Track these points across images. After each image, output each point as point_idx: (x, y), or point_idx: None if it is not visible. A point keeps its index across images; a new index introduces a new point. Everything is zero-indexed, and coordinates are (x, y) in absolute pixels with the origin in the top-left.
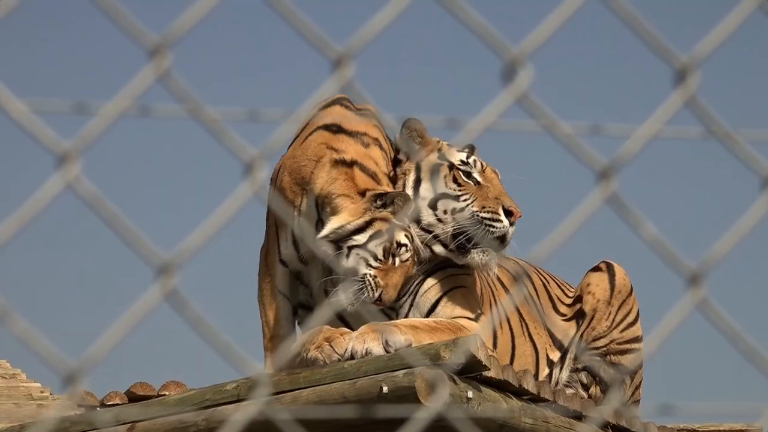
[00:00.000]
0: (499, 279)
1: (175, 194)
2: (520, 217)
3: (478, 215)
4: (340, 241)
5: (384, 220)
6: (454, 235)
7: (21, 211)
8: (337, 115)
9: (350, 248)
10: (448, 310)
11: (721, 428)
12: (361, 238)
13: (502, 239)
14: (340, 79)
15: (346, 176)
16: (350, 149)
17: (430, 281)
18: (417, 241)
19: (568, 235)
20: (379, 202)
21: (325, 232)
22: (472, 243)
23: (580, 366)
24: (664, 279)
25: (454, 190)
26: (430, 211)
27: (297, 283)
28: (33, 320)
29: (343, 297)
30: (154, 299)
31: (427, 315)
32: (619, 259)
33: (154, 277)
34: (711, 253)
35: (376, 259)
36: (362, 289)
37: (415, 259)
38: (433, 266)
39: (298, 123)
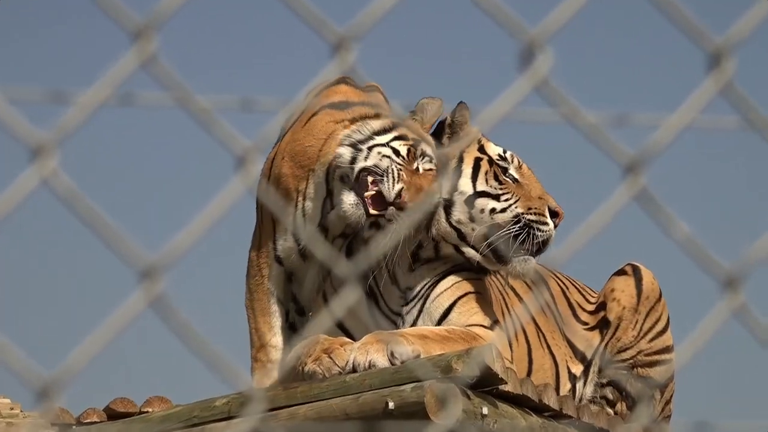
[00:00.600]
0: (510, 285)
1: (161, 191)
2: (563, 217)
3: (524, 217)
4: (360, 143)
5: (407, 127)
6: (487, 237)
7: None
8: (343, 93)
9: (370, 148)
10: (462, 317)
11: None
12: (383, 138)
13: (544, 243)
14: (341, 64)
15: None
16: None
17: (442, 285)
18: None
19: (592, 235)
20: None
21: (346, 131)
22: (510, 248)
23: (605, 380)
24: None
25: (495, 188)
26: (465, 208)
27: (290, 287)
28: (2, 328)
29: (349, 198)
30: (138, 306)
31: (439, 322)
32: (646, 261)
33: (138, 280)
34: (749, 254)
35: (398, 155)
36: (382, 178)
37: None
38: (445, 269)
39: (294, 109)
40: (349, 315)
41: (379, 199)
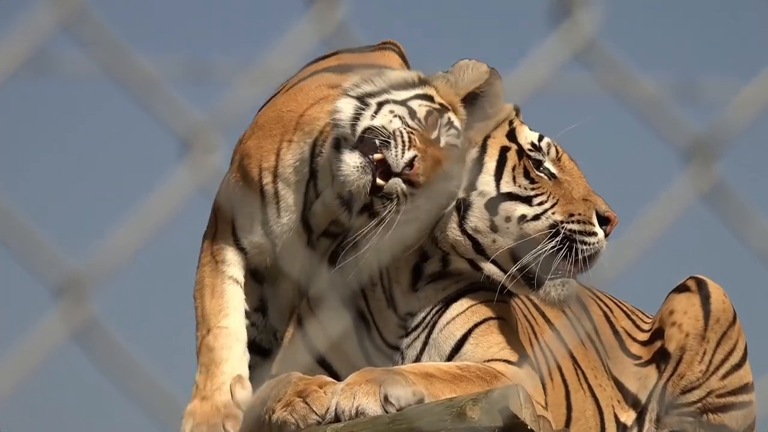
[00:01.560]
0: (539, 309)
1: (87, 184)
2: (616, 224)
3: (564, 227)
4: (368, 97)
5: (436, 88)
6: (515, 255)
7: None
8: (343, 58)
9: (380, 104)
10: (479, 350)
11: None
12: (401, 94)
13: (590, 259)
14: (319, 21)
15: None
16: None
17: (453, 310)
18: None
19: (648, 243)
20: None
21: (355, 79)
22: (547, 268)
23: (666, 431)
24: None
25: (526, 189)
26: (486, 214)
27: (257, 287)
28: None
29: (352, 158)
30: (55, 331)
31: (450, 358)
32: (713, 276)
33: (53, 297)
34: None
35: (414, 117)
36: (389, 143)
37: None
38: (456, 290)
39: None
40: (333, 347)
41: (386, 171)
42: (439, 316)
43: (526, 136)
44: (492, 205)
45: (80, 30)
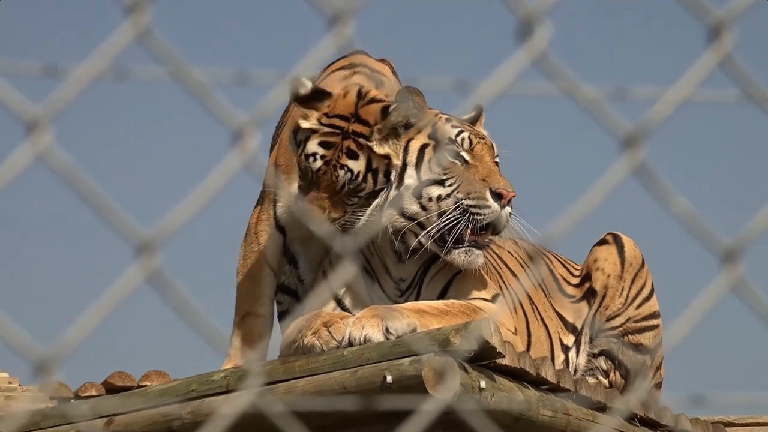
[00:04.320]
0: (504, 263)
1: (156, 166)
2: (513, 197)
3: (463, 202)
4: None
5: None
6: (438, 227)
7: None
8: (353, 59)
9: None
10: (460, 292)
11: (760, 420)
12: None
13: (492, 227)
14: (337, 38)
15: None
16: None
17: (434, 268)
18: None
19: (589, 210)
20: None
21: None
22: (456, 235)
23: (596, 350)
24: (672, 252)
25: (439, 174)
26: (414, 200)
27: (284, 261)
28: (1, 304)
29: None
30: (135, 280)
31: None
32: (624, 230)
33: (134, 255)
34: (748, 228)
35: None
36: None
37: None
38: (432, 254)
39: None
40: (348, 293)
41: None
42: (423, 276)
43: (445, 132)
44: (417, 191)
45: (151, 45)
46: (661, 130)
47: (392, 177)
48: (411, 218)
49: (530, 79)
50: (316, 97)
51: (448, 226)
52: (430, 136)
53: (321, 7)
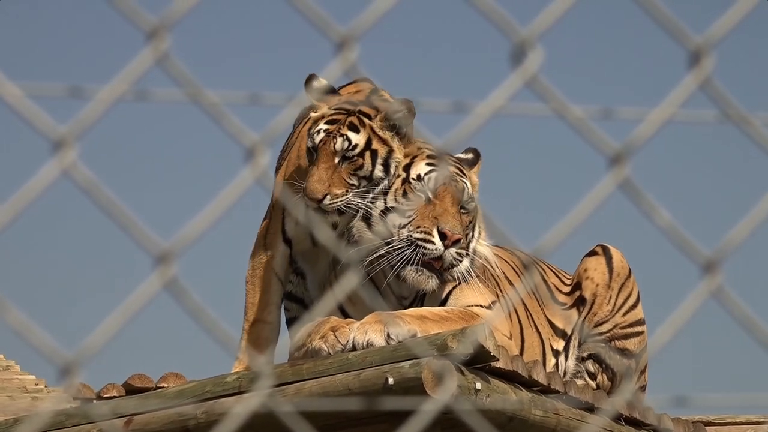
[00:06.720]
0: (504, 273)
1: (173, 181)
2: (456, 240)
3: (412, 235)
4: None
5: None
6: (389, 250)
7: (15, 198)
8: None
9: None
10: (459, 301)
11: (737, 420)
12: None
13: (442, 261)
14: (343, 62)
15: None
16: None
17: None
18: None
19: (578, 223)
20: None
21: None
22: (411, 260)
23: (585, 354)
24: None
25: (402, 205)
26: (381, 222)
27: (290, 270)
28: (28, 311)
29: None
30: (153, 288)
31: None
32: (612, 243)
33: (153, 265)
34: (727, 239)
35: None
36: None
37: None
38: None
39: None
40: (351, 302)
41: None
42: (424, 294)
43: (416, 170)
44: (383, 216)
45: (170, 69)
46: (645, 147)
47: (392, 169)
48: (380, 237)
49: (523, 100)
50: (329, 92)
51: (396, 253)
52: (404, 169)
53: (327, 34)
